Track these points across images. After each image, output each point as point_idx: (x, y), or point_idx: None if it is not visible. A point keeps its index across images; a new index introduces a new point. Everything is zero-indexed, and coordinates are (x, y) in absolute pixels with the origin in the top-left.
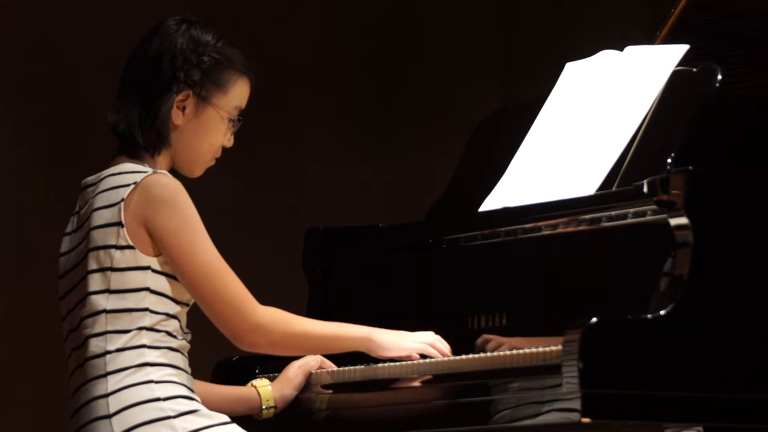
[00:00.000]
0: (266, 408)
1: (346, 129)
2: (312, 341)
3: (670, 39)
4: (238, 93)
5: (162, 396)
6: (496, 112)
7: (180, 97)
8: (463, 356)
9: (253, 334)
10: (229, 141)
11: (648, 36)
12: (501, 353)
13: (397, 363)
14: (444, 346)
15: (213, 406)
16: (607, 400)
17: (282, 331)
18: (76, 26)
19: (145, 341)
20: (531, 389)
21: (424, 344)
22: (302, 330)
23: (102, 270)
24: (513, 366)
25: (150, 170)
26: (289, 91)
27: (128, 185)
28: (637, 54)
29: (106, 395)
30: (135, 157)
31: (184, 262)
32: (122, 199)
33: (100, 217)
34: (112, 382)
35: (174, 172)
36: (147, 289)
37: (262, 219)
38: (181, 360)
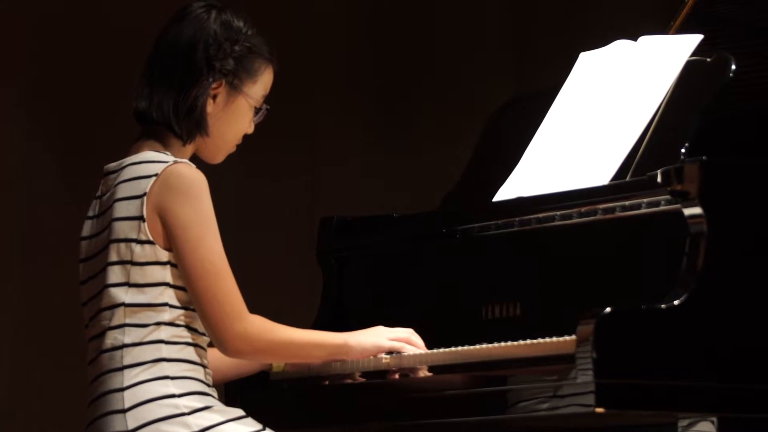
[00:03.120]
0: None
1: (359, 119)
2: (294, 349)
3: (684, 29)
4: (265, 81)
5: (177, 392)
6: (510, 102)
7: (214, 85)
8: (476, 346)
9: (238, 341)
10: (250, 128)
11: (661, 26)
12: (514, 343)
13: (410, 354)
14: (419, 341)
15: (225, 371)
16: (621, 390)
17: (266, 339)
18: (89, 15)
19: (163, 336)
20: (545, 379)
21: (400, 342)
22: (285, 339)
23: (122, 263)
24: (527, 356)
25: (171, 159)
26: (303, 80)
27: (150, 176)
28: (651, 44)
29: (122, 389)
30: (161, 143)
31: (186, 255)
32: (145, 193)
33: (122, 209)
34: (128, 377)
35: (194, 158)
36: (167, 284)
37: (273, 209)
38: (198, 355)
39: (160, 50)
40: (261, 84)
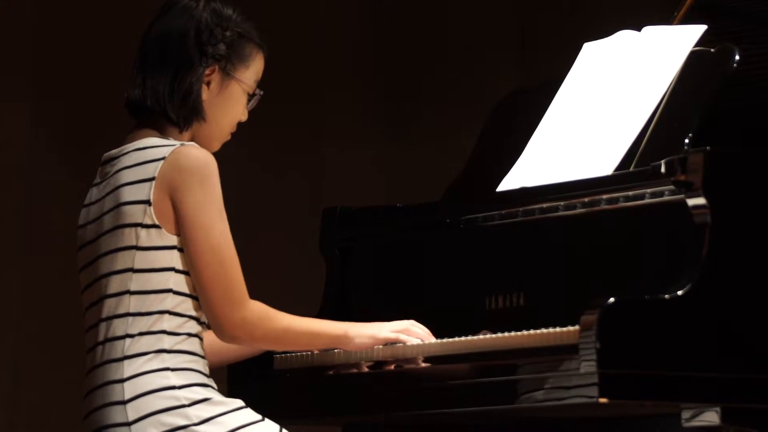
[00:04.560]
0: None
1: (363, 114)
2: (292, 338)
3: (688, 19)
4: (257, 66)
5: (177, 384)
6: (514, 92)
7: (207, 71)
8: (480, 336)
9: (237, 328)
10: (244, 115)
11: (665, 16)
12: (518, 333)
13: (414, 344)
14: (420, 329)
15: (227, 354)
16: (624, 381)
17: (265, 327)
18: (93, 9)
19: (165, 327)
20: (548, 370)
21: (398, 333)
22: (283, 327)
23: (127, 248)
24: (530, 346)
25: (177, 143)
26: (308, 74)
27: (158, 160)
28: (655, 34)
29: (122, 380)
30: (158, 132)
31: (196, 238)
32: (153, 177)
33: (127, 194)
34: (129, 368)
35: None
36: (172, 269)
37: (279, 203)
38: (200, 346)
39: (150, 41)
40: (253, 70)
